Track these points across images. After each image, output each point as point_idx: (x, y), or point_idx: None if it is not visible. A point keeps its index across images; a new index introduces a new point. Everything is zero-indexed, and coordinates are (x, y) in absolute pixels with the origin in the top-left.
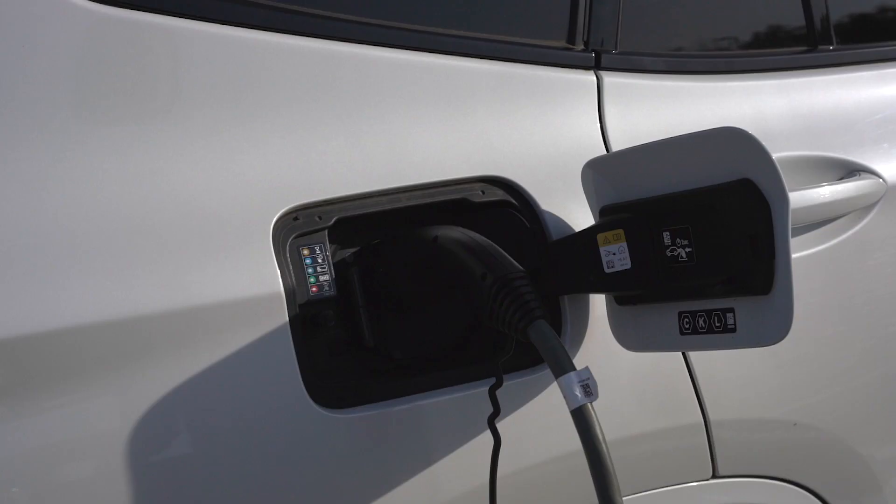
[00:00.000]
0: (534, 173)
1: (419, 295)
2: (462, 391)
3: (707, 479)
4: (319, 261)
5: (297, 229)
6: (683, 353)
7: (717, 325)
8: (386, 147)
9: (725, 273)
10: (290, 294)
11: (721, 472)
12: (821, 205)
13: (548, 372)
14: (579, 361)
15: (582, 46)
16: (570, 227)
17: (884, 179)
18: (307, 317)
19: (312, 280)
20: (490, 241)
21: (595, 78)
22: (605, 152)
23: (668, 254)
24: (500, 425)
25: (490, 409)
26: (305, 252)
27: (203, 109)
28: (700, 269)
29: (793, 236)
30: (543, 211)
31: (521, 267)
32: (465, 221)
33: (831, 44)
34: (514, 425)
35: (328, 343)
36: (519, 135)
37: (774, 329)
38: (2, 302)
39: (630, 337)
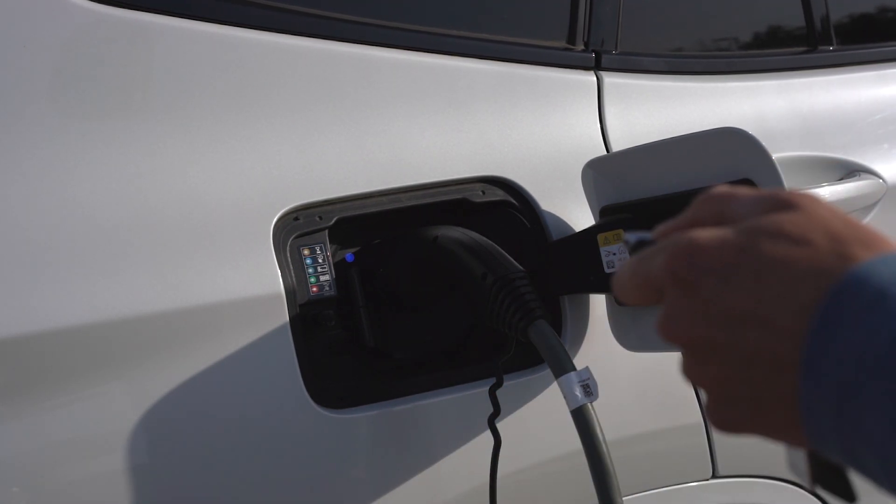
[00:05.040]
0: (534, 173)
1: (419, 295)
2: (462, 391)
3: (707, 479)
4: (320, 261)
5: (297, 229)
6: None
7: None
8: (386, 147)
9: None
10: (291, 294)
11: (721, 472)
12: None
13: (548, 372)
14: (579, 361)
15: (582, 47)
16: (570, 227)
17: (884, 180)
18: (307, 317)
19: (313, 280)
20: (490, 241)
21: (595, 78)
22: (605, 152)
23: None
24: (500, 425)
25: (490, 409)
26: (306, 252)
27: (203, 110)
28: None
29: None
30: (543, 211)
31: (521, 267)
32: (465, 221)
33: (831, 44)
34: (514, 425)
35: (328, 343)
36: (519, 135)
37: None
38: (2, 302)
39: (630, 337)
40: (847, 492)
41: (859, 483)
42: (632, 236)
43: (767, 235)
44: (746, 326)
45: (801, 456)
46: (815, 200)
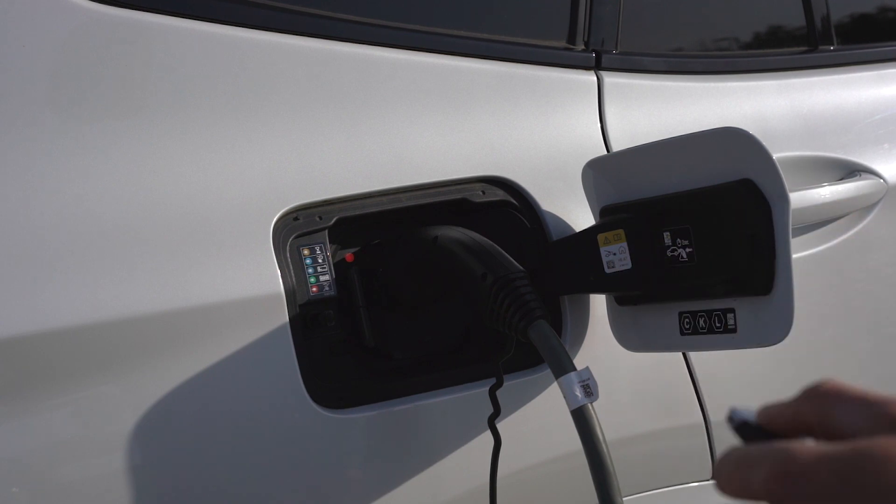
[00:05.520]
0: (534, 173)
1: (419, 295)
2: (462, 391)
3: (707, 480)
4: (320, 261)
5: (297, 229)
6: (684, 354)
7: (718, 325)
8: (386, 147)
9: (726, 273)
10: (291, 294)
11: None
12: (821, 205)
13: (548, 372)
14: (579, 361)
15: (582, 46)
16: (570, 227)
17: (884, 179)
18: (307, 317)
19: (312, 280)
20: (490, 241)
21: (595, 78)
22: (605, 152)
23: (669, 254)
24: (500, 425)
25: (490, 410)
26: (306, 252)
27: (203, 109)
28: (700, 270)
29: (793, 236)
30: (543, 211)
31: (521, 267)
32: (465, 221)
33: (832, 44)
34: (514, 425)
35: (328, 343)
36: (519, 135)
37: (775, 329)
38: (2, 302)
39: (630, 337)
40: None
41: None
42: (736, 415)
43: (875, 462)
44: None
45: None
46: None
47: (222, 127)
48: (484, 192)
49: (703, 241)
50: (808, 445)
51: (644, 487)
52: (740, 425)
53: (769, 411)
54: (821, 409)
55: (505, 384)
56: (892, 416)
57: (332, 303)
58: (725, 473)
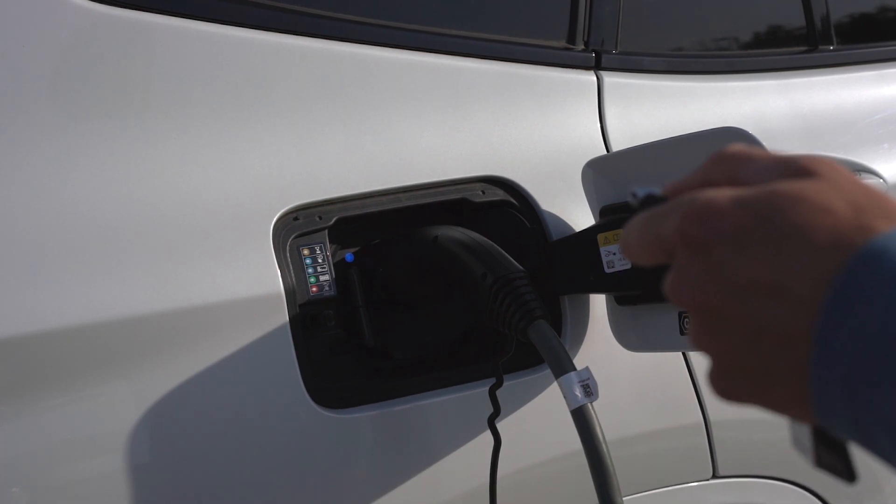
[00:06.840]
0: (534, 173)
1: (419, 295)
2: (462, 391)
3: (707, 479)
4: (319, 261)
5: (297, 229)
6: (683, 353)
7: None
8: (386, 147)
9: None
10: (290, 294)
11: (721, 472)
12: None
13: (548, 372)
14: (579, 361)
15: (582, 46)
16: (570, 227)
17: (884, 179)
18: (307, 317)
19: (312, 280)
20: (490, 241)
21: (595, 78)
22: (605, 152)
23: None
24: (500, 425)
25: (490, 409)
26: (305, 252)
27: (203, 109)
28: None
29: None
30: (543, 211)
31: (521, 267)
32: (465, 221)
33: (832, 44)
34: (514, 425)
35: (328, 343)
36: (519, 135)
37: None
38: (2, 302)
39: (630, 337)
40: (848, 471)
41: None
42: (640, 190)
43: (787, 201)
44: (759, 295)
45: (805, 432)
46: (835, 169)
47: (222, 127)
48: (484, 192)
49: None
50: (723, 190)
51: (644, 487)
52: (645, 199)
53: (675, 183)
54: (729, 170)
55: (505, 384)
56: (800, 165)
57: (331, 303)
58: (635, 227)
